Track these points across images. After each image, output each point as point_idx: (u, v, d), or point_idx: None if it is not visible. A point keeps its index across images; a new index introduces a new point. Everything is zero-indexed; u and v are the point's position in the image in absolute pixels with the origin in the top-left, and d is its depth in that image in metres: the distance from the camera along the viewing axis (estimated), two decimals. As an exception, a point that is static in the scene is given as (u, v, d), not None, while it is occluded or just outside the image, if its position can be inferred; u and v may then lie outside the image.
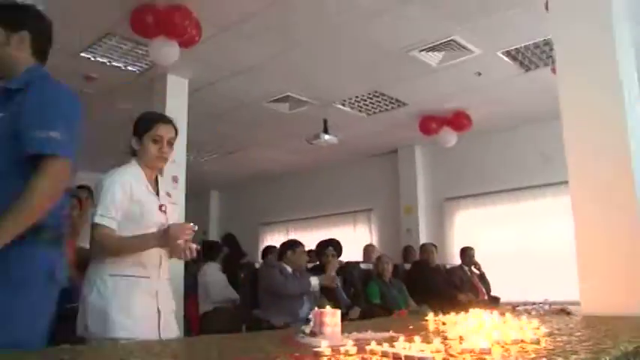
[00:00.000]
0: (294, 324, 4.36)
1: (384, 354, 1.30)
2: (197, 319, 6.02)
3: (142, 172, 2.45)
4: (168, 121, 2.50)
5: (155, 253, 2.37)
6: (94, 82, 6.12)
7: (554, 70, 3.47)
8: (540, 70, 6.00)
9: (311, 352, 1.41)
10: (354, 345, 1.40)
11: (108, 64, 5.77)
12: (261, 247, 10.19)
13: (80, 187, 4.46)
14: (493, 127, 7.89)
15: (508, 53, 5.68)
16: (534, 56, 5.75)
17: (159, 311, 2.34)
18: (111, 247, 2.30)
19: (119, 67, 5.86)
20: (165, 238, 2.26)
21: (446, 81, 6.30)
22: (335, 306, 4.46)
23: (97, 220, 2.29)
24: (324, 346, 1.42)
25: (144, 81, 6.17)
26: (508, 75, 6.14)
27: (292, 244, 5.06)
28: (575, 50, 3.05)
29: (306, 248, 5.21)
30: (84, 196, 4.43)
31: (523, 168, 7.75)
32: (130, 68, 5.91)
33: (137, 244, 2.32)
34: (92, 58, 5.64)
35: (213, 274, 6.11)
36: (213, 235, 11.73)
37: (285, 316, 4.47)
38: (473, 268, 7.11)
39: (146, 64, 5.81)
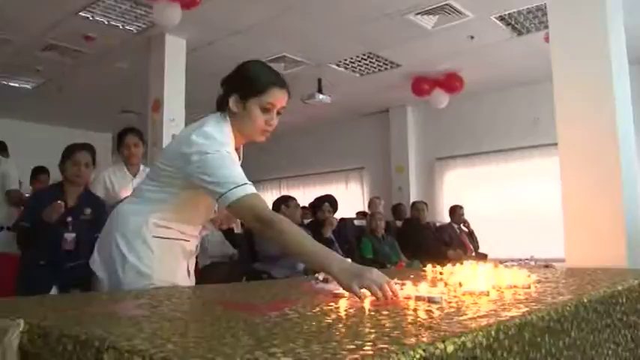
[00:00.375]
0: (294, 275, 4.58)
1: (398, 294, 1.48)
2: (196, 273, 6.23)
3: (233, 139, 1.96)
4: (284, 84, 1.99)
5: (203, 218, 2.16)
6: (92, 41, 6.16)
7: (547, 39, 3.61)
8: (532, 35, 6.13)
9: (331, 295, 1.59)
10: (369, 288, 1.57)
11: (106, 23, 5.81)
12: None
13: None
14: (484, 89, 8.04)
15: (502, 18, 5.80)
16: (527, 21, 5.87)
17: (188, 272, 2.23)
18: (279, 235, 1.70)
19: (117, 26, 5.90)
20: (356, 273, 1.52)
21: (439, 44, 6.41)
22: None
23: (249, 189, 1.75)
24: (342, 289, 1.60)
25: (142, 41, 6.22)
26: (501, 39, 6.26)
27: (285, 200, 5.17)
28: (568, 19, 3.20)
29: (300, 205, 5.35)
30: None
31: (512, 130, 7.96)
32: (128, 28, 5.95)
33: (316, 258, 1.66)
34: (90, 18, 5.68)
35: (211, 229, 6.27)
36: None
37: (285, 268, 4.66)
38: (462, 226, 7.35)
39: (144, 24, 5.86)
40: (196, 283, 5.93)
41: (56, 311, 1.33)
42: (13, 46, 6.32)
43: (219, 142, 1.82)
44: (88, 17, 5.64)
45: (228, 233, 6.33)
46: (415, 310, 1.27)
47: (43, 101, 8.09)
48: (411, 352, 0.82)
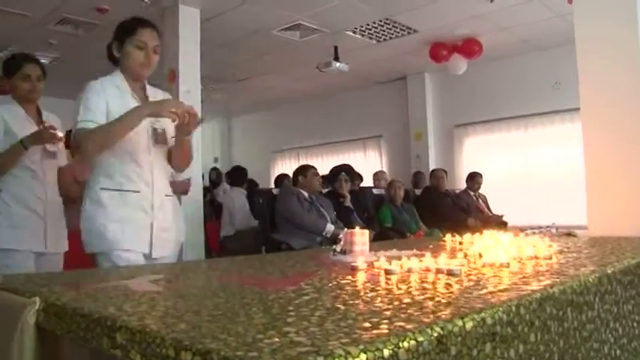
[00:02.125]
0: (312, 246, 4.58)
1: (414, 268, 1.46)
2: (216, 242, 6.32)
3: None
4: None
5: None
6: (105, 13, 6.11)
7: (570, 0, 3.49)
8: (553, -4, 5.96)
9: (348, 267, 1.57)
10: (387, 260, 1.55)
11: (119, -6, 5.75)
12: (273, 173, 10.42)
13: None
14: (503, 54, 7.88)
15: (521, -21, 5.64)
16: (548, -18, 5.71)
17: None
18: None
19: (130, -3, 5.84)
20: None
21: (457, 8, 6.26)
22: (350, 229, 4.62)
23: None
24: (359, 261, 1.58)
25: (155, 11, 6.15)
26: (520, 1, 6.09)
27: (302, 169, 5.14)
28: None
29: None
30: None
31: (532, 95, 7.80)
32: (141, -2, 5.89)
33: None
34: (104, -12, 5.63)
35: (238, 199, 6.33)
36: (224, 162, 11.93)
37: (303, 239, 4.67)
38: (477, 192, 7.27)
39: (157, -5, 5.80)
40: (218, 251, 5.94)
41: (72, 288, 1.32)
42: (28, 21, 6.29)
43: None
44: (101, -12, 5.60)
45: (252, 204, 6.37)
46: (434, 283, 1.24)
47: (59, 76, 8.09)
48: (428, 331, 0.80)
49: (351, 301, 1.04)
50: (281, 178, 7.21)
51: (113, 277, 1.61)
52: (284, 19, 6.58)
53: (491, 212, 7.13)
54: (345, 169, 5.83)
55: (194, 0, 5.90)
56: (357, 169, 6.83)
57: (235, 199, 6.31)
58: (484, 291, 1.10)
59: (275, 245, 4.76)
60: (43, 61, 7.70)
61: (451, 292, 1.10)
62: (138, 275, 1.66)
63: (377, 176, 8.04)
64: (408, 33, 7.12)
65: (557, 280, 1.21)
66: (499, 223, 6.63)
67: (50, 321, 1.11)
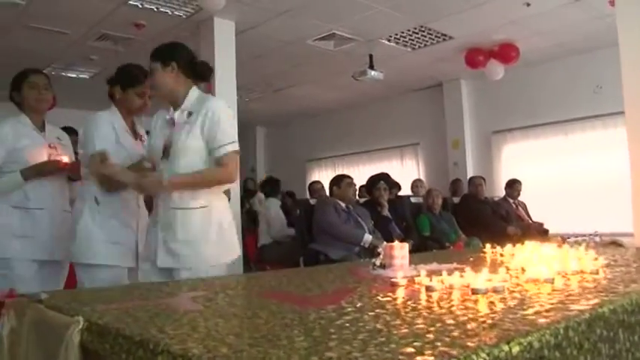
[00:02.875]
0: (350, 257, 4.56)
1: (456, 284, 1.43)
2: (254, 251, 6.38)
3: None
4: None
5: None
6: (142, 29, 6.23)
7: (612, 2, 3.41)
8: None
9: (388, 283, 1.55)
10: (427, 275, 1.52)
11: (155, 10, 5.85)
12: (309, 183, 10.44)
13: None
14: (541, 59, 7.73)
15: (560, -18, 5.53)
16: (587, -16, 5.59)
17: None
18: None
19: (166, 12, 5.94)
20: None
21: (494, 13, 6.18)
22: (387, 239, 4.63)
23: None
24: (399, 276, 1.56)
25: (191, 25, 6.25)
26: (558, 4, 5.97)
27: (336, 180, 5.12)
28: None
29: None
30: None
31: (572, 99, 7.62)
32: (176, 13, 5.99)
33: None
34: (140, 6, 5.74)
35: (274, 209, 6.39)
36: (260, 171, 12.02)
37: (341, 250, 4.65)
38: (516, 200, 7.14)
39: (192, 9, 5.87)
40: (256, 260, 5.92)
41: (113, 305, 1.34)
42: (68, 38, 6.46)
43: None
44: (137, 5, 5.70)
45: (286, 214, 6.43)
46: (476, 301, 1.21)
47: (100, 90, 8.24)
48: (474, 357, 0.77)
49: (393, 322, 1.02)
50: (314, 187, 7.22)
51: (153, 294, 1.62)
52: (318, 29, 6.60)
53: (531, 220, 6.99)
54: (384, 178, 5.78)
55: (229, 13, 5.96)
56: (394, 177, 6.79)
57: (271, 209, 6.37)
58: (530, 311, 1.07)
59: (313, 255, 4.75)
60: (83, 76, 7.92)
61: (495, 312, 1.07)
62: (177, 291, 1.67)
63: (415, 184, 7.98)
64: (444, 40, 7.06)
65: (607, 298, 1.16)
66: (540, 232, 6.51)
67: (94, 341, 1.12)
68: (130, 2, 5.63)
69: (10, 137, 2.76)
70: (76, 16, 5.86)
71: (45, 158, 2.79)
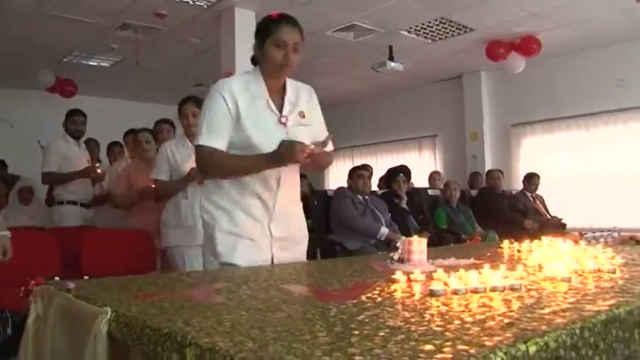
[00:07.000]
0: (368, 247, 4.59)
1: (473, 281, 1.45)
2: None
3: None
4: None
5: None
6: (164, 18, 6.28)
7: (635, -2, 3.38)
8: (617, -9, 5.77)
9: (406, 278, 1.57)
10: (445, 271, 1.54)
11: (177, 0, 5.90)
12: (327, 173, 10.46)
13: (164, 120, 4.62)
14: (563, 51, 7.67)
15: (583, -26, 5.48)
16: (610, -23, 5.53)
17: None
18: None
19: (188, 2, 5.97)
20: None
21: (515, 6, 6.14)
22: (404, 231, 4.66)
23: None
24: (417, 272, 1.59)
25: (212, 15, 6.28)
26: (583, -4, 5.93)
27: (350, 172, 5.19)
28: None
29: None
30: (166, 129, 4.56)
31: (594, 93, 7.54)
32: (198, 3, 6.02)
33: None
34: (162, -5, 5.79)
35: None
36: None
37: (358, 241, 4.69)
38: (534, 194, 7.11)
39: (214, -1, 5.92)
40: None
41: (140, 296, 1.38)
42: (91, 27, 6.53)
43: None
44: (160, -6, 5.76)
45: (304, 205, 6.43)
46: (494, 299, 1.23)
47: (120, 78, 8.37)
48: (492, 356, 0.80)
49: (412, 319, 1.05)
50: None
51: (178, 285, 1.66)
52: (338, 20, 6.60)
53: (549, 214, 6.96)
54: (403, 170, 5.79)
55: (250, 3, 5.99)
56: (411, 169, 6.79)
57: None
58: (547, 310, 1.09)
59: (330, 246, 4.80)
60: (104, 64, 8.02)
61: (512, 311, 1.09)
62: (200, 283, 1.71)
63: (433, 177, 7.97)
64: (464, 32, 7.03)
65: (623, 299, 1.18)
66: (557, 226, 6.48)
67: (122, 331, 1.16)
68: (153, -9, 5.68)
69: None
70: (98, 6, 5.92)
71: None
